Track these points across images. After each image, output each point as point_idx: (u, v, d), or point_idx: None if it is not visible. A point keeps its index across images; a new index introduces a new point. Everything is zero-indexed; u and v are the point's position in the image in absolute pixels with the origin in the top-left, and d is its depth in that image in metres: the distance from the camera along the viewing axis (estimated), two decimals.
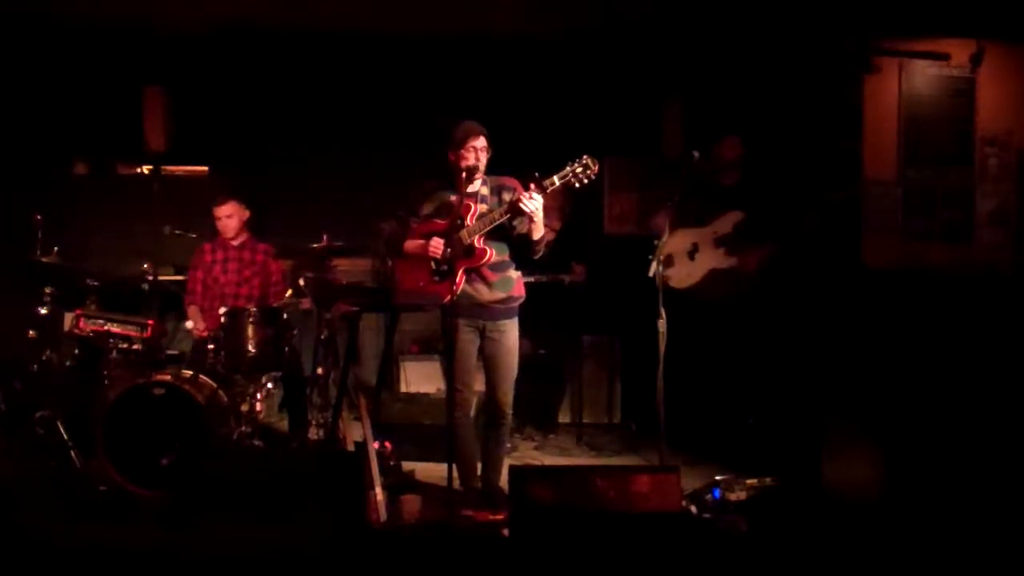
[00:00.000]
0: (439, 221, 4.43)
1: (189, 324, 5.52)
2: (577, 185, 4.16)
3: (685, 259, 5.37)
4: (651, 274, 4.88)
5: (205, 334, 5.29)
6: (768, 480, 4.73)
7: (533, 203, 4.16)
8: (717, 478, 4.74)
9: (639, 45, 6.37)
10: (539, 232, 4.30)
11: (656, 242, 4.89)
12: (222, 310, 5.16)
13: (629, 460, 5.57)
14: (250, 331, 5.07)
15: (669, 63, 6.47)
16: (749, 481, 4.72)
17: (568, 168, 4.14)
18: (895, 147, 5.70)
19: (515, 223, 4.35)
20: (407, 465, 5.13)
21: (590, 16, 5.99)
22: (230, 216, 5.55)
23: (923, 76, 5.68)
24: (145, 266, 5.59)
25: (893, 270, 5.56)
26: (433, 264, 4.36)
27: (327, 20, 6.13)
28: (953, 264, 5.59)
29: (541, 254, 4.43)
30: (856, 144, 5.67)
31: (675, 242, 5.30)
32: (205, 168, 6.65)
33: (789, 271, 5.37)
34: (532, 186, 4.24)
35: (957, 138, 5.70)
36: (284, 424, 5.75)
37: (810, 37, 5.67)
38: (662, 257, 5.09)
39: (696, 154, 5.07)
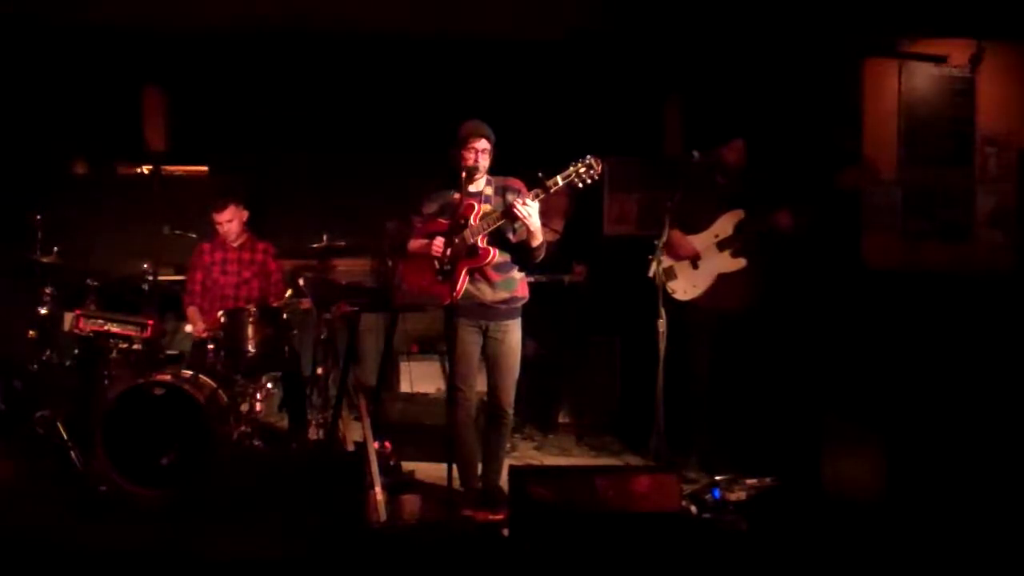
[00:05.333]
0: (442, 220, 4.43)
1: (188, 328, 5.52)
2: (580, 185, 4.15)
3: (687, 269, 5.17)
4: (651, 274, 4.87)
5: (205, 335, 5.29)
6: (768, 480, 4.74)
7: (526, 209, 4.16)
8: (717, 478, 4.74)
9: (639, 45, 6.38)
10: (537, 240, 4.31)
11: (656, 242, 4.89)
12: (221, 312, 5.16)
13: (629, 460, 5.56)
14: (250, 331, 5.07)
15: (669, 63, 6.47)
16: (749, 481, 4.72)
17: (572, 168, 4.14)
18: (895, 147, 5.70)
19: (514, 227, 4.35)
20: (407, 465, 5.13)
21: (590, 17, 5.99)
22: (231, 220, 5.53)
23: (923, 76, 5.68)
24: (145, 266, 5.59)
25: (893, 270, 5.55)
26: (436, 264, 4.36)
27: (328, 20, 6.13)
28: (953, 264, 5.58)
29: (541, 259, 4.44)
30: (856, 144, 5.67)
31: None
32: (205, 168, 6.64)
33: (788, 271, 5.36)
34: (525, 192, 4.25)
35: (957, 138, 5.69)
36: (284, 424, 5.75)
37: (810, 36, 5.67)
38: (662, 269, 5.05)
39: (696, 154, 5.06)
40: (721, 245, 5.15)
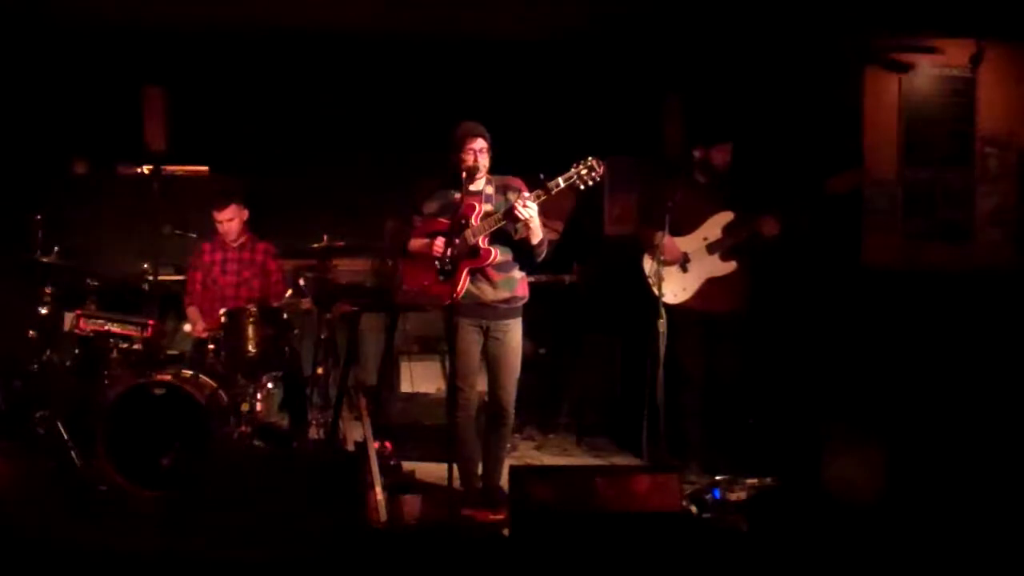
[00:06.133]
0: (443, 220, 4.43)
1: (188, 327, 5.51)
2: (582, 187, 4.16)
3: (676, 272, 5.07)
4: (646, 271, 4.87)
5: (204, 335, 5.29)
6: (768, 480, 4.74)
7: (527, 211, 4.18)
8: (717, 478, 4.74)
9: (638, 44, 6.38)
10: (537, 237, 4.32)
11: (656, 242, 4.89)
12: (222, 311, 5.16)
13: (629, 461, 5.56)
14: (250, 331, 5.07)
15: (668, 62, 6.47)
16: (749, 481, 4.72)
17: (573, 170, 4.15)
18: (895, 147, 5.70)
19: (516, 227, 4.36)
20: (407, 465, 5.13)
21: (589, 16, 5.99)
22: (231, 219, 5.53)
23: (923, 76, 5.69)
24: (145, 266, 5.59)
25: (893, 270, 5.56)
26: (437, 264, 4.36)
27: (327, 20, 6.13)
28: (953, 264, 5.58)
29: (542, 257, 4.45)
30: (856, 144, 5.67)
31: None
32: (205, 168, 6.64)
33: (788, 272, 5.36)
34: (525, 194, 4.26)
35: (957, 138, 5.70)
36: (284, 424, 5.74)
37: (810, 36, 5.67)
38: (650, 274, 5.00)
39: (697, 154, 5.05)
40: (711, 248, 5.08)
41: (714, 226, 5.09)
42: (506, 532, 4.03)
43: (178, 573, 3.77)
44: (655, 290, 4.90)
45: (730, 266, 5.07)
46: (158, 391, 4.66)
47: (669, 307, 4.98)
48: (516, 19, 6.04)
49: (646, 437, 4.89)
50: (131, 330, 5.05)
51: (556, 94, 6.69)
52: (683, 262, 5.10)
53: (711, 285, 5.08)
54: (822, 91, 5.75)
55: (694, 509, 4.42)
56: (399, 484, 4.77)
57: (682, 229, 5.11)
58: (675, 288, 5.09)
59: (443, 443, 4.51)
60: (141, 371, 4.89)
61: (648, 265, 5.01)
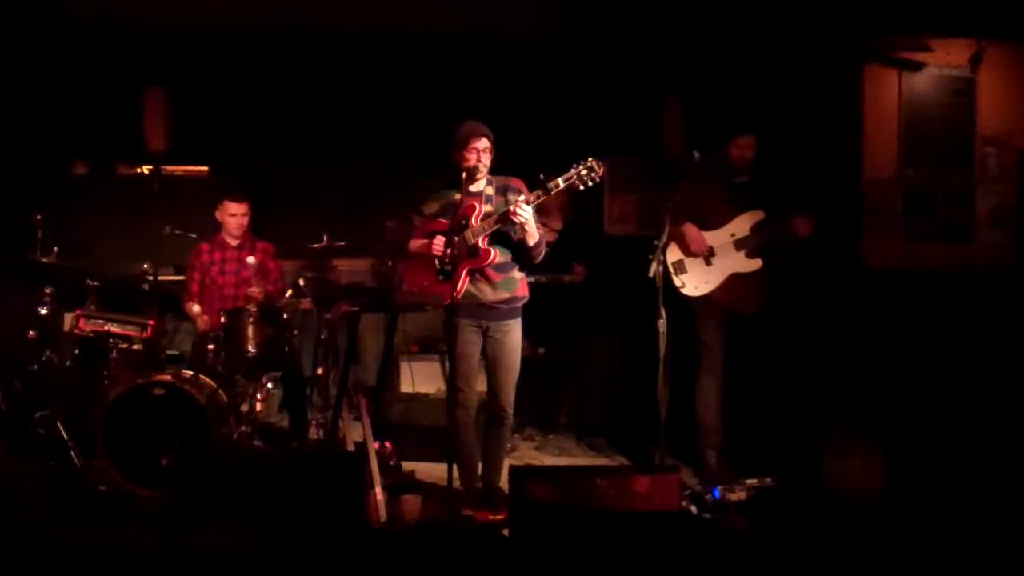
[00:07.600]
0: (443, 220, 4.44)
1: (199, 324, 5.48)
2: (582, 187, 4.16)
3: (700, 265, 5.07)
4: (651, 274, 4.87)
5: (209, 328, 5.29)
6: (768, 480, 4.74)
7: (523, 215, 4.19)
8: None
9: (639, 44, 6.37)
10: (533, 239, 4.32)
11: (656, 242, 4.87)
12: (222, 311, 5.16)
13: (628, 461, 5.56)
14: (250, 331, 5.06)
15: (669, 62, 6.47)
16: (749, 481, 4.72)
17: (573, 170, 4.15)
18: (895, 147, 5.70)
19: (514, 229, 4.36)
20: (407, 465, 5.13)
21: (590, 16, 5.99)
22: (245, 214, 5.54)
23: (923, 76, 5.69)
24: (145, 266, 5.59)
25: (893, 271, 5.56)
26: (437, 264, 4.36)
27: (328, 20, 6.13)
28: (953, 264, 5.58)
29: (540, 258, 4.45)
30: (856, 144, 5.67)
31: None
32: (205, 168, 6.64)
33: (790, 272, 5.35)
34: (526, 191, 4.26)
35: (957, 138, 5.70)
36: (284, 424, 5.75)
37: (810, 36, 5.67)
38: (672, 263, 5.01)
39: (696, 154, 5.03)
40: (738, 244, 5.06)
41: (743, 223, 5.06)
42: (506, 532, 4.03)
43: (178, 573, 3.77)
44: (675, 280, 4.91)
45: (756, 264, 5.05)
46: (158, 391, 4.67)
47: (690, 298, 4.99)
48: (516, 19, 6.04)
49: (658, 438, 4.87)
50: (131, 330, 5.05)
51: (556, 94, 6.69)
52: (708, 255, 5.08)
53: (735, 281, 5.05)
54: (822, 91, 5.75)
55: (694, 509, 4.42)
56: (399, 484, 4.77)
57: (708, 224, 5.10)
58: (696, 281, 5.07)
59: (443, 443, 4.51)
60: (141, 371, 4.89)
61: (652, 266, 4.97)
